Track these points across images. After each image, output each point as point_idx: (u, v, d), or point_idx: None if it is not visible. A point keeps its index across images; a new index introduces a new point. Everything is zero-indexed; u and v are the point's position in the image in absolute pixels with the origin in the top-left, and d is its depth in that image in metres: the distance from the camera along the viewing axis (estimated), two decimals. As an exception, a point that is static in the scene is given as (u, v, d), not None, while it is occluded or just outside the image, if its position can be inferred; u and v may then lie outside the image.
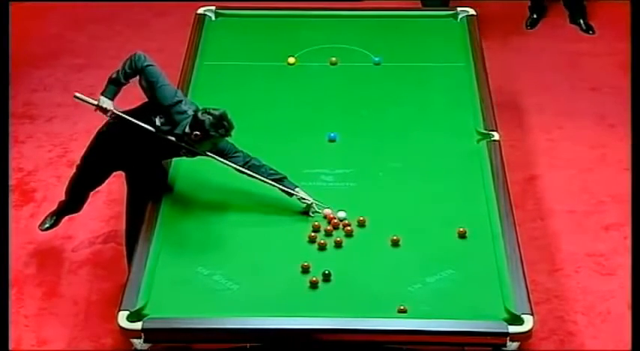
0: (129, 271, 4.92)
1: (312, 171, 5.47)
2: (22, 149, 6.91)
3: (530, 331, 4.57)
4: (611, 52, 7.87)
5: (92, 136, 5.40)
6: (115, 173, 5.51)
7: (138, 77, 5.16)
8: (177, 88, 5.75)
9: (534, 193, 6.51)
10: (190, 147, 5.08)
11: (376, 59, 6.40)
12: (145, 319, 4.61)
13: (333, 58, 6.40)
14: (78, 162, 5.55)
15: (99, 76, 7.51)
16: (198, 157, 5.18)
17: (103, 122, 5.35)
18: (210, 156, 5.14)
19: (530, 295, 4.75)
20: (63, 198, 5.76)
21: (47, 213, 5.83)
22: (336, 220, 5.14)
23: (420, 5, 8.28)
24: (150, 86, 5.11)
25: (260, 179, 5.18)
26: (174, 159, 5.41)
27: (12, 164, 6.61)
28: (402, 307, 4.67)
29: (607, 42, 8.03)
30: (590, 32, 8.21)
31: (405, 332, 4.59)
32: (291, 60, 6.39)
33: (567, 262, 5.99)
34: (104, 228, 6.19)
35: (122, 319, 4.61)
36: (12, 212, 6.23)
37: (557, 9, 8.38)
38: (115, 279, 5.73)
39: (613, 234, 6.20)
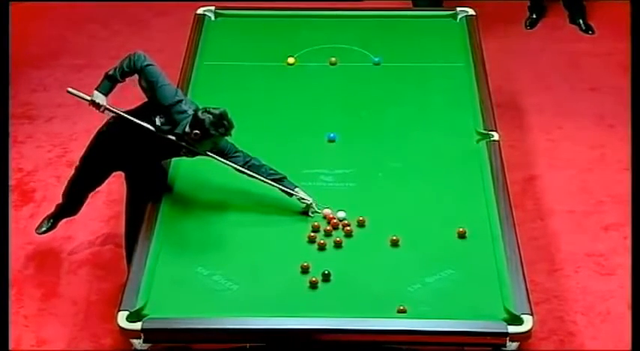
0: (128, 271, 4.92)
1: (312, 171, 5.47)
2: (21, 149, 6.91)
3: (529, 331, 4.57)
4: (610, 52, 7.87)
5: (92, 136, 5.40)
6: (114, 173, 5.51)
7: (138, 77, 5.16)
8: (177, 88, 5.75)
9: (534, 193, 6.51)
10: (191, 146, 5.08)
11: (376, 59, 6.40)
12: (145, 319, 4.61)
13: (333, 58, 6.40)
14: (77, 163, 5.55)
15: (99, 76, 7.46)
16: (198, 157, 5.18)
17: (103, 122, 5.34)
18: (211, 156, 5.14)
19: (530, 295, 4.75)
20: (60, 201, 5.75)
21: (44, 216, 5.82)
22: (335, 220, 5.14)
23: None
24: (150, 86, 5.10)
25: (260, 179, 5.18)
26: (174, 159, 5.41)
27: (11, 164, 6.61)
28: (401, 307, 4.67)
29: (607, 42, 8.03)
30: (590, 32, 8.21)
31: (405, 332, 4.59)
32: (291, 60, 6.39)
33: (567, 262, 5.99)
34: (104, 228, 6.19)
35: (122, 319, 4.61)
36: (12, 212, 6.23)
37: (557, 9, 8.38)
38: (114, 279, 5.73)
39: (613, 234, 6.20)
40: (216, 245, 5.05)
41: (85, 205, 5.75)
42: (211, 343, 4.75)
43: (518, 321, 4.58)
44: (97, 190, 5.70)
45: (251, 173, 5.17)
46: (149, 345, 4.62)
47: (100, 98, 5.17)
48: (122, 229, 5.66)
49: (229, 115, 5.00)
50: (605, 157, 6.85)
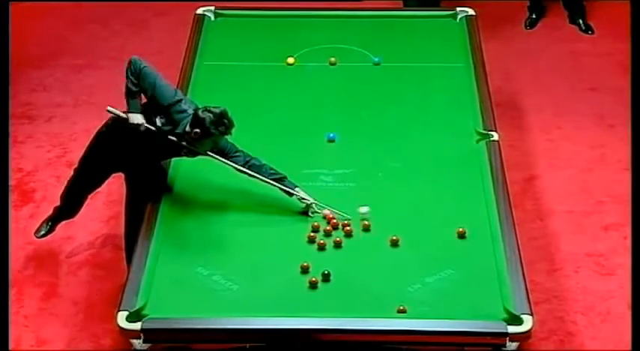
0: (128, 272, 4.92)
1: (312, 171, 5.47)
2: (21, 149, 6.91)
3: (529, 331, 4.57)
4: (610, 52, 7.87)
5: (91, 137, 5.40)
6: (114, 174, 5.51)
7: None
8: (177, 87, 5.75)
9: (534, 193, 6.51)
10: (191, 146, 5.08)
11: (376, 59, 6.40)
12: (145, 319, 4.61)
13: (333, 59, 6.40)
14: (76, 165, 5.54)
15: (99, 76, 7.59)
16: (199, 156, 5.18)
17: (103, 122, 5.34)
18: (211, 156, 5.14)
19: (530, 295, 4.75)
20: (58, 204, 5.74)
21: (42, 220, 5.81)
22: (335, 221, 5.14)
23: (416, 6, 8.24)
24: (149, 87, 5.10)
25: (260, 179, 5.18)
26: (174, 159, 5.41)
27: (11, 164, 6.61)
28: (401, 308, 4.67)
29: (606, 42, 8.03)
30: (590, 32, 8.21)
31: (405, 332, 4.59)
32: (291, 60, 6.39)
33: (567, 262, 5.99)
34: (104, 228, 6.19)
35: (121, 319, 4.61)
36: (11, 213, 6.23)
37: (557, 9, 8.38)
38: (114, 279, 5.73)
39: (612, 234, 6.20)
40: (216, 245, 5.05)
41: (84, 206, 5.74)
42: (211, 343, 4.75)
43: (518, 321, 4.58)
44: (96, 191, 5.70)
45: (251, 173, 5.17)
46: (149, 345, 4.61)
47: (137, 119, 5.11)
48: (122, 230, 5.66)
49: (229, 114, 5.00)
50: (605, 157, 6.85)
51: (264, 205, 5.26)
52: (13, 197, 6.44)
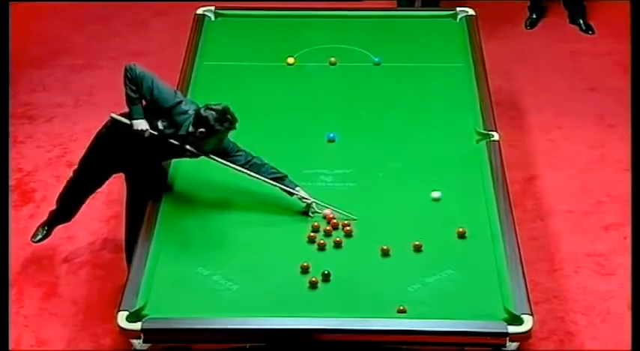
0: (128, 272, 4.92)
1: (312, 171, 5.47)
2: (21, 149, 6.91)
3: (529, 331, 4.57)
4: (610, 52, 7.87)
5: (92, 137, 5.40)
6: (114, 175, 5.50)
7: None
8: (177, 88, 5.75)
9: (534, 193, 6.51)
10: (194, 148, 5.07)
11: (376, 59, 6.40)
12: (145, 319, 4.61)
13: (333, 59, 6.40)
14: (76, 166, 5.54)
15: (98, 76, 7.60)
16: (201, 157, 5.17)
17: (103, 123, 5.34)
18: (212, 158, 5.14)
19: (530, 295, 4.75)
20: (54, 207, 5.74)
21: (37, 225, 5.80)
22: (335, 221, 5.14)
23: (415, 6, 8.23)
24: (148, 91, 5.09)
25: (260, 179, 5.18)
26: (174, 159, 5.41)
27: (11, 164, 6.61)
28: (401, 308, 4.67)
29: (607, 42, 8.03)
30: (590, 32, 8.21)
31: (405, 332, 4.58)
32: (291, 60, 6.39)
33: (567, 262, 5.99)
34: (104, 228, 6.19)
35: (122, 319, 4.61)
36: (12, 213, 6.23)
37: (557, 9, 8.38)
38: (114, 279, 5.73)
39: (613, 234, 6.20)
40: (216, 245, 5.05)
41: (82, 207, 5.72)
42: (211, 343, 4.75)
43: (518, 321, 4.58)
44: (96, 192, 5.68)
45: (251, 173, 5.17)
46: (149, 345, 4.61)
47: (141, 125, 5.11)
48: (122, 230, 5.66)
49: (231, 109, 5.00)
50: (605, 157, 6.85)
51: (264, 205, 5.26)
52: (13, 197, 6.44)
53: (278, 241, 5.06)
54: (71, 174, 5.58)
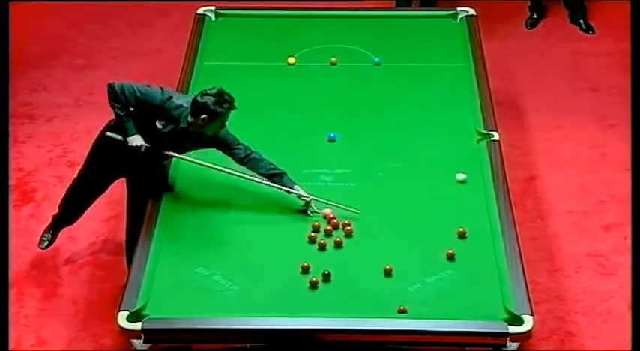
0: (129, 273, 4.92)
1: (312, 171, 5.47)
2: (22, 149, 6.91)
3: (530, 331, 4.57)
4: (611, 52, 7.87)
5: (92, 138, 5.40)
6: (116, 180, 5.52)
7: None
8: (177, 88, 5.77)
9: (534, 193, 6.51)
10: (197, 139, 5.07)
11: (376, 59, 6.40)
12: (145, 319, 4.61)
13: (333, 58, 6.40)
14: (76, 174, 5.54)
15: (99, 76, 7.58)
16: (199, 154, 5.17)
17: (103, 125, 5.34)
18: (207, 166, 5.15)
19: (530, 295, 4.75)
20: (57, 211, 5.74)
21: (42, 231, 5.80)
22: (335, 221, 5.14)
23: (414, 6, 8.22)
24: (133, 99, 5.12)
25: (257, 181, 5.18)
26: (174, 159, 5.41)
27: (12, 164, 6.61)
28: (401, 308, 4.67)
29: (607, 42, 8.03)
30: (590, 32, 8.20)
31: (405, 332, 4.59)
32: (291, 60, 6.39)
33: (567, 262, 5.99)
34: (104, 228, 6.18)
35: (122, 319, 4.61)
36: (12, 212, 6.23)
37: (557, 9, 8.38)
38: (114, 279, 5.73)
39: (613, 234, 6.20)
40: (217, 245, 5.06)
41: (83, 215, 5.73)
42: (211, 343, 4.75)
43: (518, 321, 4.58)
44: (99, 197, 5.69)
45: (249, 176, 5.17)
46: (149, 345, 4.62)
47: (136, 141, 5.16)
48: (123, 230, 5.66)
49: (226, 90, 5.02)
50: (605, 157, 6.85)
51: (264, 205, 5.26)
52: (13, 197, 6.44)
53: (278, 241, 5.07)
54: (72, 181, 5.58)
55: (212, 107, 4.98)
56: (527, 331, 4.57)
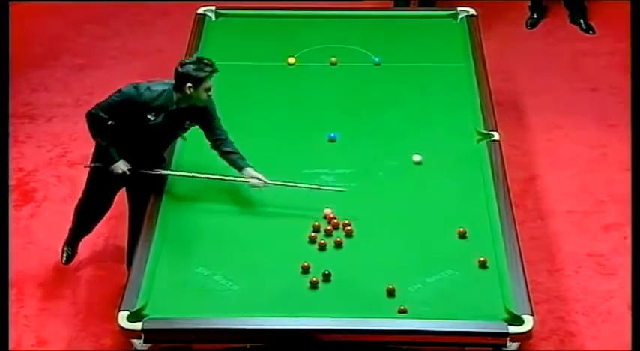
0: (129, 273, 4.92)
1: (313, 171, 5.47)
2: (22, 149, 6.91)
3: (530, 331, 4.58)
4: (611, 52, 7.87)
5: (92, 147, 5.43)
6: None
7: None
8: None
9: (534, 193, 6.51)
10: (190, 114, 5.12)
11: (376, 59, 6.40)
12: (145, 319, 4.61)
13: (333, 58, 6.40)
14: (80, 195, 5.61)
15: (99, 76, 7.59)
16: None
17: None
18: (201, 177, 5.22)
19: (531, 295, 4.75)
20: (71, 225, 5.78)
21: (61, 245, 5.83)
22: (336, 220, 5.14)
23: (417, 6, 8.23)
24: (113, 111, 5.17)
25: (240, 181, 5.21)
26: (173, 159, 5.41)
27: (12, 164, 6.60)
28: (402, 308, 4.67)
29: (607, 42, 8.03)
30: (591, 32, 8.20)
31: (405, 332, 4.59)
32: (291, 60, 6.39)
33: (567, 262, 5.99)
34: (104, 228, 6.16)
35: (122, 319, 4.61)
36: (12, 212, 6.23)
37: (557, 9, 8.38)
38: (115, 279, 5.72)
39: (613, 234, 6.20)
40: (217, 245, 5.05)
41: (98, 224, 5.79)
42: (211, 343, 4.75)
43: (518, 321, 4.58)
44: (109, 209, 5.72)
45: (208, 176, 5.22)
46: (149, 345, 4.62)
47: (119, 168, 5.27)
48: (123, 230, 5.66)
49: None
50: (605, 157, 6.85)
51: (264, 206, 5.26)
52: (13, 197, 6.43)
53: (279, 241, 5.07)
54: (77, 202, 5.66)
55: (194, 73, 5.05)
56: (527, 331, 4.57)
